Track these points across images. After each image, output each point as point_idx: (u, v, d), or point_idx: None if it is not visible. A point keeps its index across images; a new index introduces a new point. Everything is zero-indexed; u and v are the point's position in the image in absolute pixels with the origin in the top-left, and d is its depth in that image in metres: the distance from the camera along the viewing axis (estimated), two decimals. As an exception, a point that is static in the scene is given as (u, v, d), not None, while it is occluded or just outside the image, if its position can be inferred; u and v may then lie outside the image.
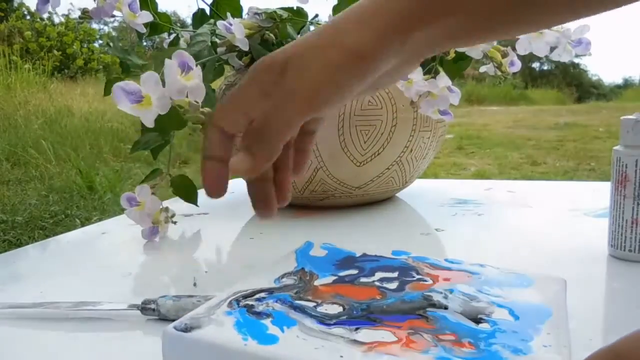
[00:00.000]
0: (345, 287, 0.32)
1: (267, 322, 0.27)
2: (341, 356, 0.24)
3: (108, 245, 0.55)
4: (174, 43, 0.65)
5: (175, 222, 0.56)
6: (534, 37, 0.54)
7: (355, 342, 0.25)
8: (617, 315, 0.33)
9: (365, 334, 0.26)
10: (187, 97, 0.43)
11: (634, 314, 0.34)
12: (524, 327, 0.27)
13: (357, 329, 0.26)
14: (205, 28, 0.58)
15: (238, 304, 0.28)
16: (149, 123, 0.42)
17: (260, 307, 0.28)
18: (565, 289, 0.33)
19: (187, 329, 0.26)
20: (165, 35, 0.66)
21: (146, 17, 0.54)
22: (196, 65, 0.43)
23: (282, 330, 0.26)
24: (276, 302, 0.29)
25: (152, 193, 0.53)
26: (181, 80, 0.42)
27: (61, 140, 3.76)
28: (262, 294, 0.29)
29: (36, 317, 0.36)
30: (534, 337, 0.26)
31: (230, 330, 0.26)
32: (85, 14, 0.53)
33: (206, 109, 0.44)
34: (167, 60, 0.42)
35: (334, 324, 0.27)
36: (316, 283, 0.32)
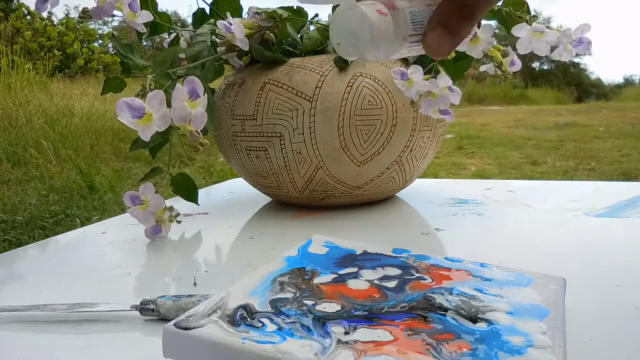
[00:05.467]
0: (344, 286, 0.32)
1: (265, 320, 0.27)
2: (336, 357, 0.24)
3: (108, 245, 0.55)
4: (174, 43, 0.65)
5: (179, 222, 0.56)
6: (534, 36, 0.54)
7: (352, 341, 0.25)
8: (617, 315, 0.33)
9: (362, 333, 0.26)
10: (189, 123, 0.44)
11: (634, 313, 0.34)
12: (519, 325, 0.27)
13: (354, 328, 0.26)
14: (205, 28, 0.58)
15: (238, 319, 0.28)
16: (146, 138, 0.43)
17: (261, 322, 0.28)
18: (565, 288, 0.33)
19: (187, 327, 0.26)
20: (165, 35, 0.66)
21: (146, 16, 0.54)
22: (203, 94, 0.44)
23: (280, 330, 0.26)
24: (277, 317, 0.28)
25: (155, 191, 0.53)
26: (187, 107, 0.43)
27: (61, 140, 3.76)
28: (264, 318, 0.29)
29: (31, 320, 0.36)
30: (530, 336, 0.26)
31: (229, 329, 0.26)
32: (85, 13, 0.53)
33: (204, 140, 0.45)
34: (177, 85, 0.43)
35: (332, 322, 0.27)
36: (316, 281, 0.33)
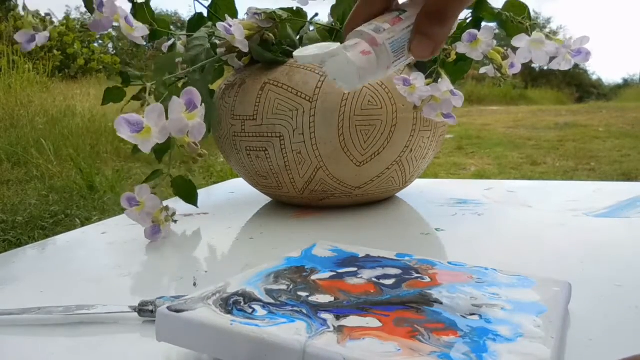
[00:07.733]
0: (341, 282, 0.32)
1: (256, 306, 0.28)
2: (317, 335, 0.25)
3: (108, 245, 0.55)
4: (174, 46, 0.65)
5: (175, 221, 0.56)
6: (534, 46, 0.54)
7: (339, 326, 0.26)
8: (617, 316, 0.33)
9: (351, 320, 0.26)
10: (187, 134, 0.44)
11: (634, 313, 0.34)
12: (513, 318, 0.27)
13: (345, 316, 0.27)
14: (202, 32, 0.58)
15: (230, 304, 0.29)
16: (146, 150, 0.43)
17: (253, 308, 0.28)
18: (567, 292, 0.32)
19: (180, 310, 0.27)
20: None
21: (142, 30, 0.54)
22: (200, 104, 0.44)
23: (269, 314, 0.27)
24: (269, 305, 0.29)
25: (152, 192, 0.53)
26: (184, 119, 0.43)
27: (62, 140, 3.76)
28: (256, 304, 0.29)
29: (28, 324, 0.35)
30: (522, 327, 0.26)
31: (220, 312, 0.27)
32: (85, 28, 0.54)
33: (203, 151, 0.45)
34: (174, 98, 0.43)
35: (324, 311, 0.28)
36: (313, 277, 0.33)
